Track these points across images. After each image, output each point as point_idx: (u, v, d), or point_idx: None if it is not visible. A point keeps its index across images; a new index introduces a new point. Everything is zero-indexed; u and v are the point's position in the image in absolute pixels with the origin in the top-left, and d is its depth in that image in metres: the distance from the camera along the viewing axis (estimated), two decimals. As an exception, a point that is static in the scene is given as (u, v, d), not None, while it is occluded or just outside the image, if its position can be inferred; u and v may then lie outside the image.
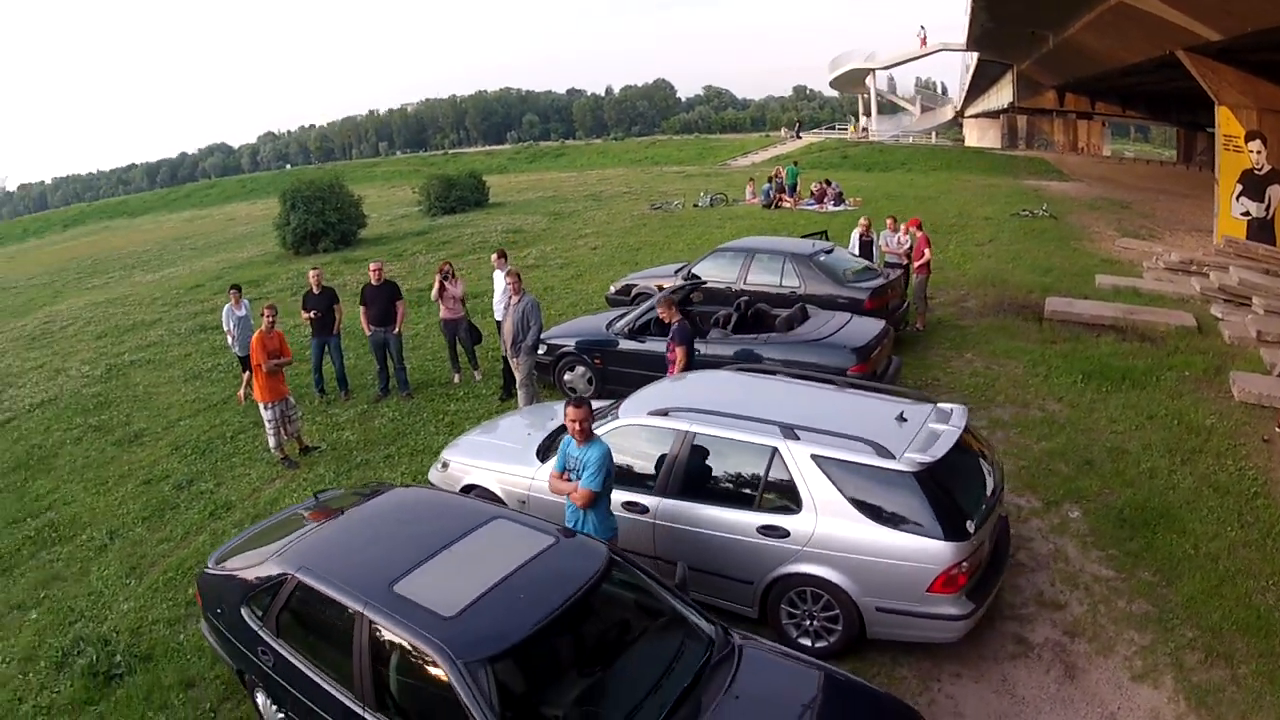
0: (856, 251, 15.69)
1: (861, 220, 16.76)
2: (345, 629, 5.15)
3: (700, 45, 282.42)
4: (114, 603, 8.54)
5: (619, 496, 7.19)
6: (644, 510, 7.20)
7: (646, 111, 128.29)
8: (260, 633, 5.85)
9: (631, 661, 5.13)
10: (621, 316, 12.38)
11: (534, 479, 7.78)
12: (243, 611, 6.04)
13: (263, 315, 11.20)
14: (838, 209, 28.54)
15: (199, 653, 7.29)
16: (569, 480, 6.66)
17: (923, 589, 6.17)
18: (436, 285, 13.13)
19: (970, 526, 6.20)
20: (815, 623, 6.70)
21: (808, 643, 6.72)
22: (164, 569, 8.97)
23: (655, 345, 11.40)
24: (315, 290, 13.20)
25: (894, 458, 6.34)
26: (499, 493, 8.01)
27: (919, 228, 15.36)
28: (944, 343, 13.91)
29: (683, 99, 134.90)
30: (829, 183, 31.24)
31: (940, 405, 7.38)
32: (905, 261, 15.00)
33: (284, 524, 6.82)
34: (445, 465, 8.62)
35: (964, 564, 6.13)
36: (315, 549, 5.87)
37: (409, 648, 4.80)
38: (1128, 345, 13.42)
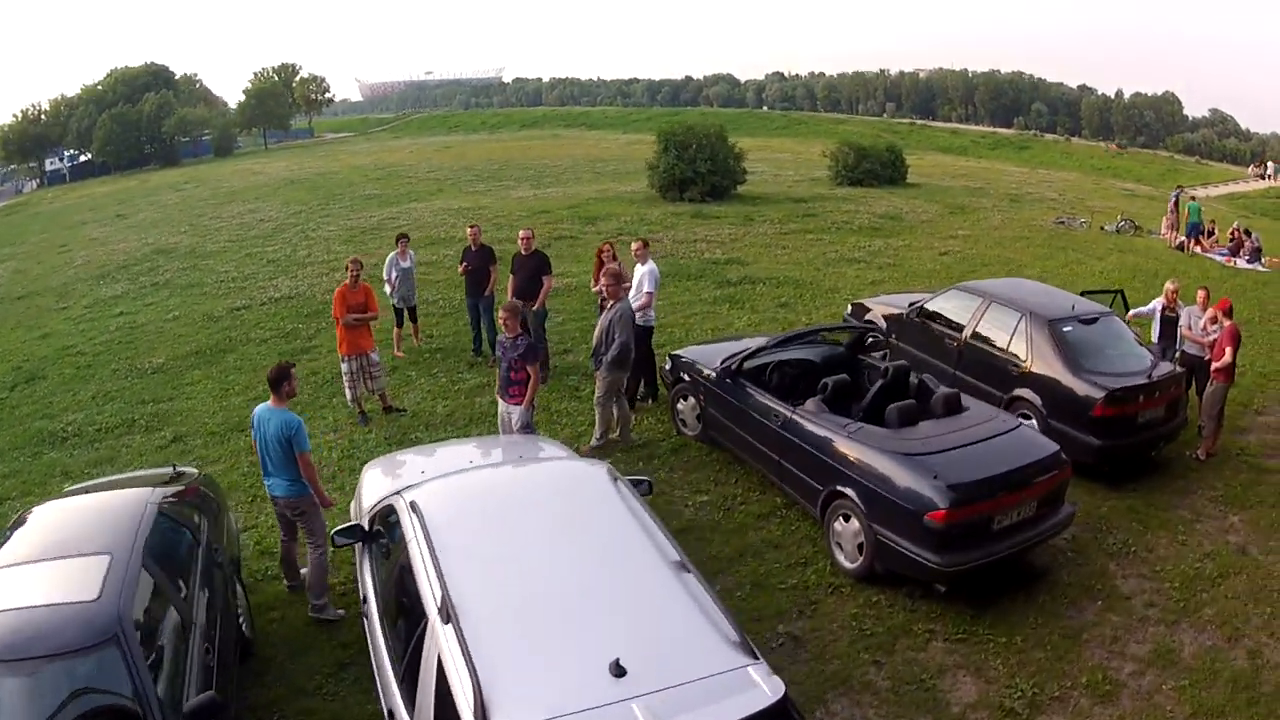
0: (1157, 328, 12.42)
1: (1168, 286, 12.58)
2: None
3: (1220, 58, 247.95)
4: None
5: None
6: None
7: (1152, 123, 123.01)
8: None
9: None
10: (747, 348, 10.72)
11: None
12: None
13: (347, 269, 11.90)
14: (1249, 266, 23.96)
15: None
16: None
17: None
18: (595, 269, 13.06)
19: None
20: None
21: None
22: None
23: (755, 395, 9.86)
24: (473, 247, 13.81)
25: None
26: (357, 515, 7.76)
27: (1228, 314, 11.30)
28: (1216, 488, 10.21)
29: (1189, 116, 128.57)
30: (1249, 233, 25.93)
31: None
32: (1207, 356, 11.31)
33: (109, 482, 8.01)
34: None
35: None
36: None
37: None
38: None
